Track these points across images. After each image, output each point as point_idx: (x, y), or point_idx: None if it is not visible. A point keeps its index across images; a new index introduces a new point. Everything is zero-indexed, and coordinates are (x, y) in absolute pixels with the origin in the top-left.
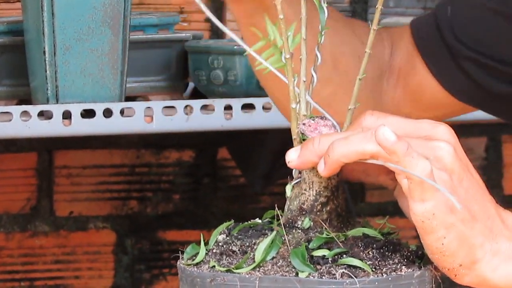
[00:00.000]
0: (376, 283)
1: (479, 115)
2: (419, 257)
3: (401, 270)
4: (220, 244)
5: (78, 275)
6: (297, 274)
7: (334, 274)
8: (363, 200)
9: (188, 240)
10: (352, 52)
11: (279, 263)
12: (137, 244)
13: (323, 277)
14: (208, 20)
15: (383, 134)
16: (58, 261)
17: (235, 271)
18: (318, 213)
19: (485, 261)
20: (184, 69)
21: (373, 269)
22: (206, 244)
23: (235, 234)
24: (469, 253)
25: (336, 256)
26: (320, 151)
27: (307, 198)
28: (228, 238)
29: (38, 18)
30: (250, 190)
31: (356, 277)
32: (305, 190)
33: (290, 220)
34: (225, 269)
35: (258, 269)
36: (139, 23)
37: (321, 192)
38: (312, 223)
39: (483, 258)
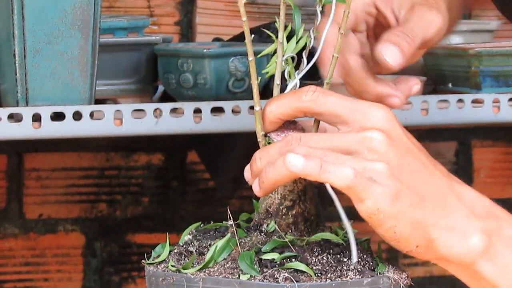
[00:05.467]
0: None
1: (448, 119)
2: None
3: (347, 276)
4: (181, 244)
5: (47, 278)
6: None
7: (277, 278)
8: (331, 205)
9: (157, 243)
10: None
11: (228, 264)
12: (106, 247)
13: (265, 280)
14: (177, 23)
15: (290, 162)
16: (27, 263)
17: (182, 271)
18: (283, 216)
19: (441, 240)
20: (154, 72)
21: (319, 275)
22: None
23: (196, 235)
24: (423, 234)
25: (284, 260)
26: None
27: (273, 201)
28: (192, 238)
29: (8, 20)
30: (218, 194)
31: (298, 281)
32: (271, 193)
33: (257, 223)
34: (175, 268)
35: (205, 270)
36: (109, 26)
37: (286, 196)
38: (276, 226)
39: (438, 237)
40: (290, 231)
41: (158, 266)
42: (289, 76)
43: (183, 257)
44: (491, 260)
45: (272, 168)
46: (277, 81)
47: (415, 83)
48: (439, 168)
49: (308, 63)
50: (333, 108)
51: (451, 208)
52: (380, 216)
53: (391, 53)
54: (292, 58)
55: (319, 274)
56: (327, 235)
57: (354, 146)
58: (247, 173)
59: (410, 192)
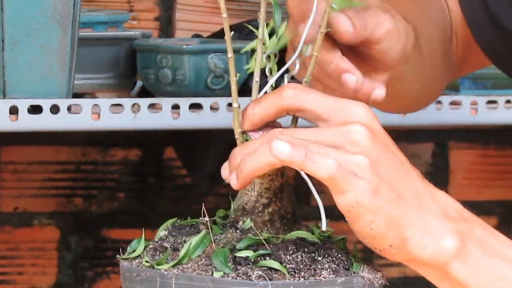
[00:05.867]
0: (291, 286)
1: (426, 120)
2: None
3: (321, 275)
4: (156, 240)
5: (22, 271)
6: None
7: (250, 276)
8: (308, 203)
9: (133, 239)
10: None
11: (202, 261)
12: (81, 242)
13: (238, 277)
14: (157, 19)
15: (276, 149)
16: (1, 257)
17: (156, 267)
18: (259, 214)
19: (414, 240)
20: (133, 67)
21: (293, 273)
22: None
23: (172, 231)
24: (398, 233)
25: (258, 258)
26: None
27: (249, 198)
28: (167, 234)
29: None
30: (195, 190)
31: (272, 279)
32: (247, 190)
33: (232, 220)
34: (149, 264)
35: (179, 266)
36: (89, 20)
37: (263, 193)
38: (252, 224)
39: (412, 237)
40: (266, 228)
41: (133, 262)
42: (271, 73)
43: (157, 253)
44: (463, 261)
45: (253, 156)
46: (256, 78)
47: (380, 88)
48: (415, 170)
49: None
50: (315, 105)
51: (425, 209)
52: (359, 209)
53: (343, 20)
54: (275, 55)
55: (293, 273)
56: (302, 233)
57: (336, 140)
58: (224, 171)
59: (388, 188)
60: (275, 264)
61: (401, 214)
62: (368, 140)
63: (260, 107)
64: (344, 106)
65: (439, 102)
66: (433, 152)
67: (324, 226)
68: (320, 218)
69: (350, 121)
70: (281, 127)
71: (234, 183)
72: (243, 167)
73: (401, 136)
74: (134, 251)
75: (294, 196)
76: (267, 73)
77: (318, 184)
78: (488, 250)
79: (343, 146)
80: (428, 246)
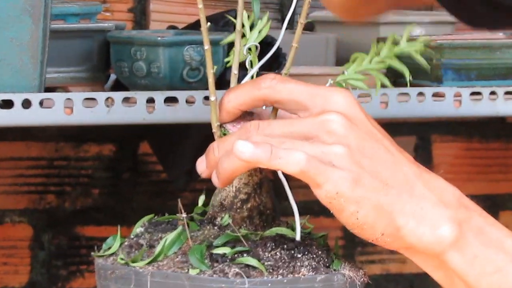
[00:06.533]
0: (269, 284)
1: (408, 112)
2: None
3: (300, 272)
4: (132, 237)
5: None
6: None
7: (227, 273)
8: (288, 199)
9: (107, 236)
10: None
11: (178, 258)
12: (54, 240)
13: (215, 275)
14: (131, 10)
15: (238, 150)
16: None
17: (131, 264)
18: (238, 210)
19: (408, 228)
20: (106, 60)
21: (271, 270)
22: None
23: (148, 228)
24: (389, 221)
25: (236, 255)
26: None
27: (228, 194)
28: (143, 231)
29: None
30: (171, 186)
31: (249, 277)
32: (226, 186)
33: (210, 216)
34: (124, 262)
35: (154, 263)
36: (61, 12)
37: (241, 189)
38: (231, 220)
39: (406, 225)
40: (244, 225)
41: (107, 259)
42: (251, 66)
43: (133, 250)
44: (460, 250)
45: (227, 159)
46: (234, 70)
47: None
48: (405, 155)
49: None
50: (292, 94)
51: (419, 196)
52: (340, 200)
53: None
54: (256, 47)
55: (271, 270)
56: (282, 230)
57: (313, 130)
58: (199, 165)
59: (372, 176)
60: (253, 261)
61: (389, 202)
62: (346, 129)
63: (236, 94)
64: (322, 94)
65: (422, 94)
66: (415, 145)
67: (298, 236)
68: (300, 214)
69: (326, 110)
70: (259, 118)
71: (216, 182)
72: (221, 169)
73: (383, 128)
74: (109, 248)
75: (273, 192)
76: (247, 65)
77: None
78: (486, 239)
79: (320, 136)
80: (424, 234)
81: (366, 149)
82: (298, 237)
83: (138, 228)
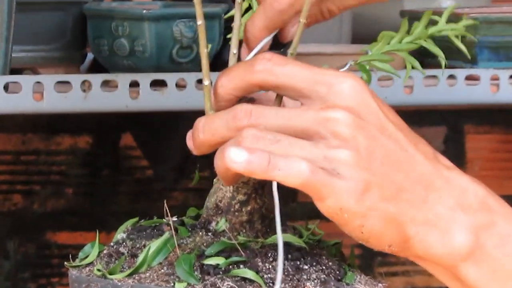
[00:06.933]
0: None
1: (437, 98)
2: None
3: (305, 286)
4: (112, 245)
5: None
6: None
7: (219, 287)
8: (294, 200)
9: (83, 244)
10: None
11: (163, 270)
12: (21, 247)
13: None
14: None
15: (229, 159)
16: None
17: (108, 276)
18: (236, 213)
19: (418, 238)
20: (82, 37)
21: (270, 284)
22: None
23: (131, 234)
24: (398, 232)
25: (231, 266)
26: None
27: (224, 195)
28: (125, 237)
29: None
30: (158, 185)
31: None
32: (222, 185)
33: (204, 220)
34: (100, 273)
35: (135, 275)
36: None
37: (240, 189)
38: (227, 225)
39: (416, 235)
40: (243, 231)
41: (83, 270)
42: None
43: (113, 260)
44: (477, 263)
45: (219, 159)
46: (233, 49)
47: None
48: (422, 149)
49: None
50: (292, 80)
51: (434, 199)
52: (344, 216)
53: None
54: None
55: (271, 284)
56: (287, 236)
57: (315, 128)
58: (188, 141)
59: (383, 183)
60: (249, 274)
61: (400, 211)
62: (354, 129)
63: (229, 78)
64: (326, 81)
65: (453, 77)
66: (445, 137)
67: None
68: (308, 217)
69: (332, 104)
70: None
71: (192, 148)
72: (216, 167)
73: (407, 117)
74: (86, 257)
75: (278, 192)
76: None
77: None
78: (510, 249)
79: (323, 136)
80: (433, 245)
81: (376, 150)
82: (278, 285)
83: (119, 234)
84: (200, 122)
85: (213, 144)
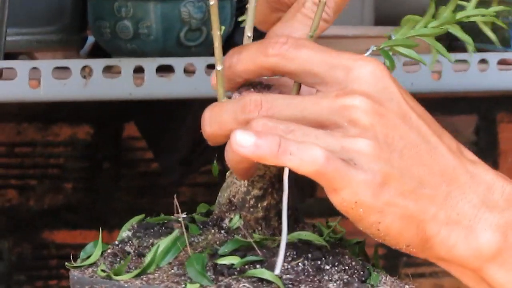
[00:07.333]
0: None
1: (467, 85)
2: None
3: None
4: (117, 243)
5: None
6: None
7: None
8: (313, 195)
9: (83, 243)
10: None
11: (173, 270)
12: (16, 248)
13: None
14: None
15: (235, 143)
16: None
17: (114, 277)
18: (251, 209)
19: (439, 238)
20: (82, 19)
21: (290, 286)
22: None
23: (137, 232)
24: (417, 231)
25: (246, 266)
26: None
27: (238, 189)
28: (131, 235)
29: None
30: (164, 179)
31: None
32: (236, 178)
33: (216, 217)
34: (105, 274)
35: (143, 276)
36: None
37: (255, 183)
38: (242, 222)
39: (437, 234)
40: (259, 228)
41: (85, 271)
42: None
43: (118, 260)
44: (504, 265)
45: (228, 150)
46: (248, 32)
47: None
48: (446, 141)
49: None
50: (307, 65)
51: (457, 196)
52: (359, 210)
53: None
54: None
55: (290, 286)
56: (306, 234)
57: (331, 117)
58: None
59: (403, 176)
60: (267, 274)
61: (419, 209)
62: (372, 117)
63: (239, 58)
64: (344, 65)
65: (484, 61)
66: (476, 126)
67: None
68: (328, 214)
69: (349, 90)
70: (279, 92)
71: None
72: (227, 160)
73: (435, 106)
74: (88, 257)
75: (295, 186)
76: None
77: None
78: None
79: (340, 125)
80: (457, 246)
81: (397, 140)
82: (277, 271)
83: (125, 232)
84: (207, 113)
85: (223, 136)
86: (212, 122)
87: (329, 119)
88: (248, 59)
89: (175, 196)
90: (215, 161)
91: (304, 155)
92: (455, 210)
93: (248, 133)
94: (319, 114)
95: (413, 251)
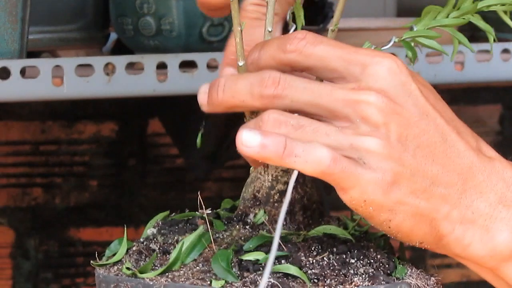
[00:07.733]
0: None
1: (491, 74)
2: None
3: (352, 282)
4: (142, 240)
5: None
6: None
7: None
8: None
9: (109, 240)
10: None
11: (198, 267)
12: (42, 246)
13: (244, 287)
14: None
15: (241, 142)
16: None
17: (139, 275)
18: (275, 204)
19: (454, 236)
20: (104, 16)
21: (315, 281)
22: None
23: (162, 229)
24: (430, 229)
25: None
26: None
27: (262, 184)
28: (156, 233)
29: None
30: (190, 175)
31: None
32: (260, 173)
33: (241, 213)
34: (130, 272)
35: (169, 274)
36: None
37: (279, 178)
38: (266, 217)
39: (451, 233)
40: (284, 223)
41: (111, 269)
42: (293, 20)
43: (143, 257)
44: None
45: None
46: (268, 27)
47: None
48: (465, 138)
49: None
50: (325, 60)
51: (472, 195)
52: (368, 208)
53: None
54: None
55: (315, 280)
56: (331, 228)
57: (344, 109)
58: (200, 95)
59: (414, 175)
60: (292, 269)
61: (432, 207)
62: (385, 115)
63: (260, 54)
64: (361, 60)
65: (507, 51)
66: (501, 116)
67: (266, 276)
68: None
69: (364, 86)
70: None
71: (204, 106)
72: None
73: (459, 96)
74: (113, 255)
75: (320, 180)
76: (287, 19)
77: None
78: None
79: (352, 120)
80: (473, 244)
81: (410, 139)
82: (265, 279)
83: (149, 229)
84: (222, 80)
85: (231, 106)
86: (226, 89)
87: (342, 111)
88: (268, 55)
89: (198, 192)
90: (200, 133)
91: (310, 157)
92: (470, 209)
93: (254, 133)
94: (333, 105)
95: (427, 247)
